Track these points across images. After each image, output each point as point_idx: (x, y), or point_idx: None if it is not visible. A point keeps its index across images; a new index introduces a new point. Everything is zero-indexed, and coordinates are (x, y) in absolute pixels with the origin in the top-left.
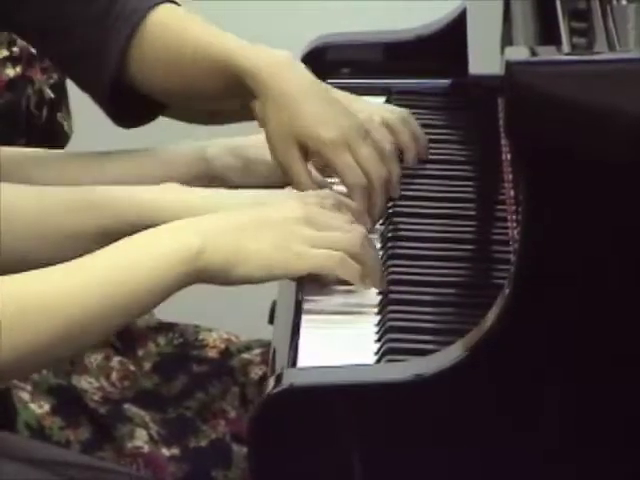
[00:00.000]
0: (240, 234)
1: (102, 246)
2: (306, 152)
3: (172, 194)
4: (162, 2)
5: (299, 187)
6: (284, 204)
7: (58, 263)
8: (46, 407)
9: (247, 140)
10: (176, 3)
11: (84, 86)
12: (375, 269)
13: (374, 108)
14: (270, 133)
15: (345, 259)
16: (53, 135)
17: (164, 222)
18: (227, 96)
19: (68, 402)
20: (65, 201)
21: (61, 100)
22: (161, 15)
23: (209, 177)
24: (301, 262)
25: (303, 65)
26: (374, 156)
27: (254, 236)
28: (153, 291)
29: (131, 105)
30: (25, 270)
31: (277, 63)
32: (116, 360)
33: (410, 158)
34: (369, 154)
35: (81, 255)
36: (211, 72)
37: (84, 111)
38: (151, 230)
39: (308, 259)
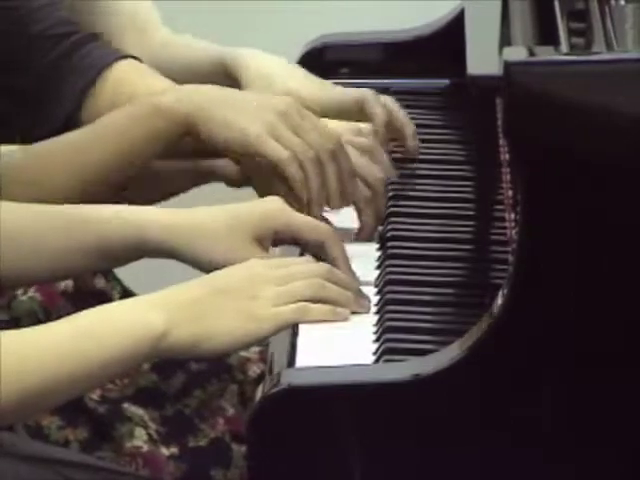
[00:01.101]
0: (202, 310)
1: (99, 262)
2: None
3: (168, 214)
4: (123, 57)
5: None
6: (239, 266)
7: (56, 280)
8: None
9: None
10: (137, 59)
11: (27, 124)
12: (345, 298)
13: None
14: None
15: (307, 307)
16: None
17: (158, 241)
18: (178, 156)
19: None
20: (63, 218)
21: None
22: (121, 69)
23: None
24: (266, 326)
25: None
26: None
27: (216, 310)
28: (116, 364)
29: None
30: (24, 287)
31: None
32: None
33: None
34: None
35: (78, 272)
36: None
37: None
38: (119, 304)
39: (272, 321)
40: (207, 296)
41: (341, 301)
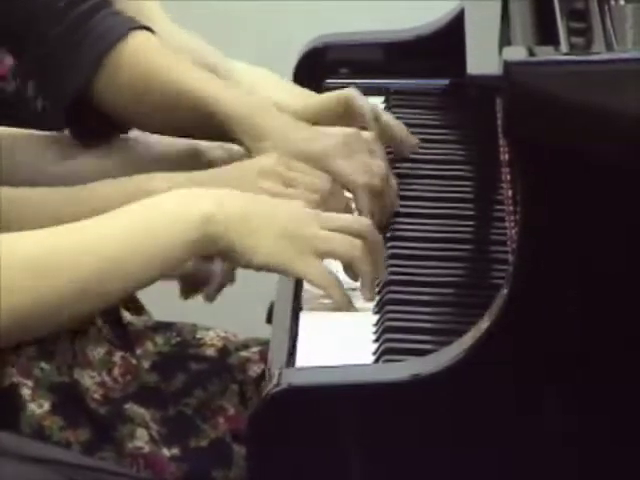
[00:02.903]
0: (255, 205)
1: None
2: None
3: (170, 184)
4: (138, 28)
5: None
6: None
7: None
8: (46, 406)
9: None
10: (151, 30)
11: (47, 91)
12: (381, 258)
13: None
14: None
15: (365, 251)
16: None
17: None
18: (194, 131)
19: (69, 401)
20: (65, 193)
21: None
22: (136, 42)
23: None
24: (319, 243)
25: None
26: (365, 161)
27: (264, 216)
28: (165, 251)
29: (89, 120)
30: None
31: (259, 107)
32: (118, 355)
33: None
34: (360, 161)
35: None
36: (181, 108)
37: None
38: (167, 193)
39: (328, 241)
40: (261, 198)
41: (378, 254)
